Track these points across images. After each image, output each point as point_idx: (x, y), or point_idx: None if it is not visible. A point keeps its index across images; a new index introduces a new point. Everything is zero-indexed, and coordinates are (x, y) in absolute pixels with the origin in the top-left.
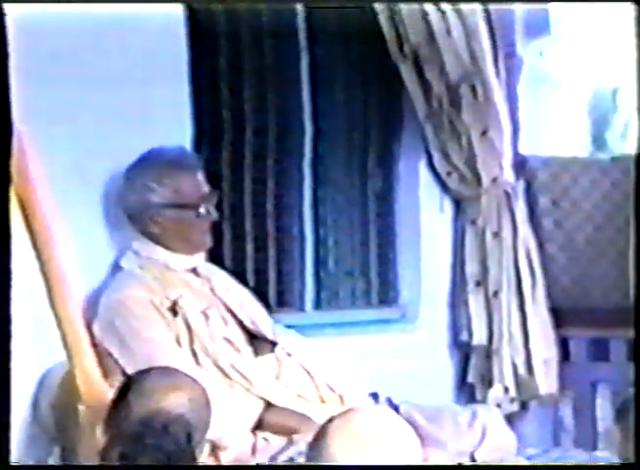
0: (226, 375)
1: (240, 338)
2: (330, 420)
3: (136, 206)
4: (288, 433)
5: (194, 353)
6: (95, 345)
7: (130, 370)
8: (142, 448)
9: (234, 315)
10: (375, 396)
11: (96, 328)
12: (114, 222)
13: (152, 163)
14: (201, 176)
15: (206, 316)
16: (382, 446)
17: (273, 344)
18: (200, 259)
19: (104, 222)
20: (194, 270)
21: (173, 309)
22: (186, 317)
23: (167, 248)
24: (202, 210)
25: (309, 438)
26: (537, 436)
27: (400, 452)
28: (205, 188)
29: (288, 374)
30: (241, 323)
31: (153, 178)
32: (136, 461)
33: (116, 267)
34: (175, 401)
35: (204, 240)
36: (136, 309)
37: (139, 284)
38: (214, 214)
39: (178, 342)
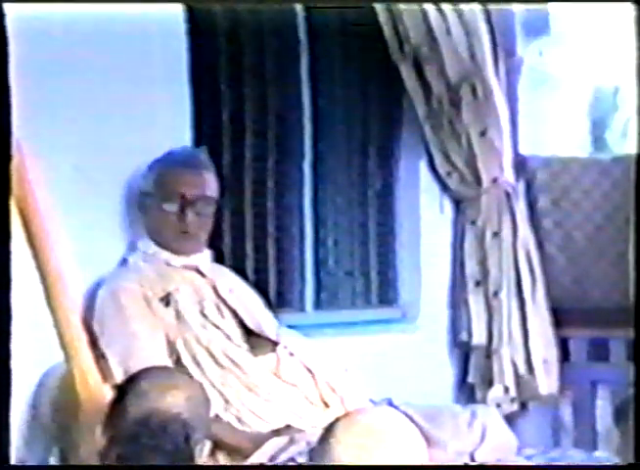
0: (219, 364)
1: (237, 334)
2: (335, 421)
3: (137, 196)
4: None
5: (186, 342)
6: (93, 345)
7: (111, 361)
8: (140, 449)
9: (235, 314)
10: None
11: (94, 317)
12: (131, 221)
13: (162, 158)
14: (202, 176)
15: (201, 306)
16: (387, 447)
17: (275, 344)
18: (202, 260)
19: (114, 221)
20: (197, 270)
21: (166, 300)
22: (177, 307)
23: (158, 244)
24: (166, 206)
25: (312, 438)
26: (537, 436)
27: (405, 453)
28: (192, 190)
29: (288, 372)
30: (241, 322)
31: (153, 171)
32: (135, 462)
33: (124, 262)
34: (172, 401)
35: (175, 239)
36: (126, 302)
37: (136, 277)
38: (189, 218)
39: (168, 333)
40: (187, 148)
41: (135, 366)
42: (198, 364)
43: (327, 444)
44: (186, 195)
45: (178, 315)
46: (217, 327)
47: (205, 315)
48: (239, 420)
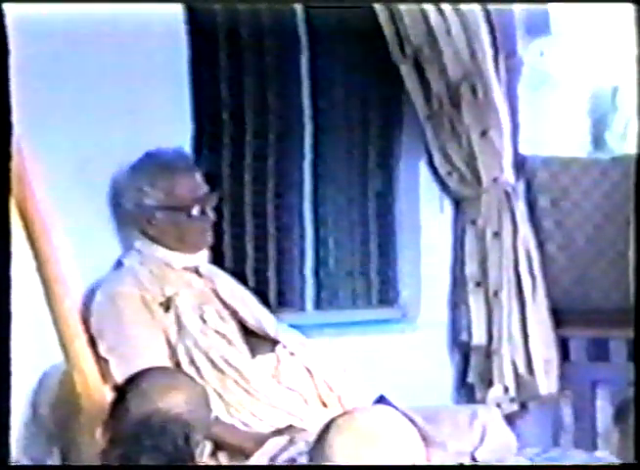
0: (219, 369)
1: (237, 336)
2: (331, 420)
3: (133, 208)
4: (233, 450)
5: (186, 348)
6: (93, 345)
7: (113, 365)
8: (140, 449)
9: (234, 315)
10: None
11: (91, 322)
12: (121, 222)
13: (147, 165)
14: (197, 178)
15: (201, 311)
16: (384, 447)
17: (274, 343)
18: (202, 260)
19: (110, 222)
20: (196, 271)
21: (166, 304)
22: (177, 312)
23: (166, 247)
24: (194, 211)
25: (311, 438)
26: (537, 436)
27: (403, 453)
28: (202, 189)
29: (287, 373)
30: (240, 323)
31: (147, 181)
32: (135, 462)
33: (119, 264)
34: (172, 401)
35: (201, 240)
36: (125, 306)
37: (134, 280)
38: (211, 216)
39: (168, 338)
40: (171, 150)
41: (136, 370)
42: (197, 369)
43: (323, 443)
44: (202, 197)
45: (178, 321)
46: (217, 332)
47: (204, 320)
48: (241, 423)
